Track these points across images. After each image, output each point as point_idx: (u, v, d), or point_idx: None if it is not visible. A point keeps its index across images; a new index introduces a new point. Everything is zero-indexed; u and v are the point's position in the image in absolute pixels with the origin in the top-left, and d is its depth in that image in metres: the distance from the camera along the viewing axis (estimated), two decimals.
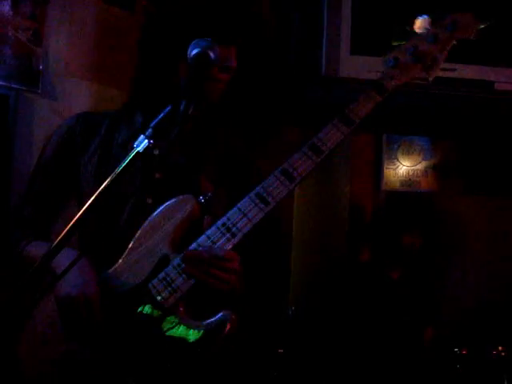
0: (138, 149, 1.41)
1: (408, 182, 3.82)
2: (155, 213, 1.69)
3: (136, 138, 1.76)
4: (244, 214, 1.64)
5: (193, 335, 1.63)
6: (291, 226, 3.64)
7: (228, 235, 1.64)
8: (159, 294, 1.64)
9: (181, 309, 1.65)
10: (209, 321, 1.62)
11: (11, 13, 2.60)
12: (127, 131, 1.82)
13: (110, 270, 1.69)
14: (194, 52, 1.55)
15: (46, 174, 1.85)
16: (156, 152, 1.76)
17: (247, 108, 3.07)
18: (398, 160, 3.81)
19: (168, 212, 1.69)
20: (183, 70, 1.71)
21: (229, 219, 1.64)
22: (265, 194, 1.65)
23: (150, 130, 1.42)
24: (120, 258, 1.70)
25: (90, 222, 1.74)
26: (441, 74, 2.86)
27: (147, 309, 1.64)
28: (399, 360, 3.00)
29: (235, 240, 1.64)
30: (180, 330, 1.63)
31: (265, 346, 3.06)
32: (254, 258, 1.93)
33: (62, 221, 1.87)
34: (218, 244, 1.64)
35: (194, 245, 1.65)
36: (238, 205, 1.65)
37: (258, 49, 3.04)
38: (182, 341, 1.63)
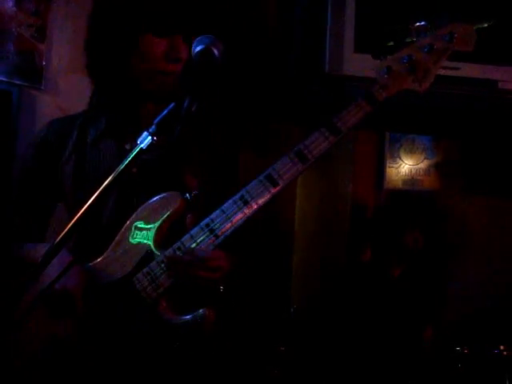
0: (142, 145, 1.42)
1: (410, 180, 3.81)
2: (140, 208, 1.72)
3: (104, 136, 1.84)
4: (227, 217, 1.66)
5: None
6: (293, 225, 3.64)
7: (211, 237, 1.66)
8: (143, 289, 1.67)
9: (163, 304, 1.67)
10: (187, 316, 1.65)
11: (15, 9, 2.60)
12: (95, 131, 1.86)
13: (94, 263, 1.73)
14: (198, 49, 1.55)
15: (28, 186, 1.91)
16: (128, 147, 1.80)
17: (249, 107, 3.06)
18: (400, 159, 3.80)
19: (154, 208, 1.70)
20: (136, 65, 1.76)
21: (212, 221, 1.66)
22: (248, 198, 1.66)
23: (153, 127, 1.42)
24: (105, 251, 1.73)
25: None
26: (444, 72, 2.86)
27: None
28: (400, 359, 3.00)
29: (218, 241, 1.66)
30: None
31: (266, 344, 3.06)
32: (256, 258, 1.93)
33: (54, 222, 1.93)
34: (201, 245, 1.66)
35: (178, 243, 1.67)
36: (222, 207, 1.67)
37: (260, 46, 3.04)
38: (161, 334, 1.65)
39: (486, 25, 2.96)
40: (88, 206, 1.37)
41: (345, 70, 2.79)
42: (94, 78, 1.87)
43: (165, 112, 1.45)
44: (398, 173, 3.81)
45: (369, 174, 3.82)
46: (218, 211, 1.67)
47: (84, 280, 1.69)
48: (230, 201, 1.67)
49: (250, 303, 2.96)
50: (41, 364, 1.67)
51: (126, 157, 1.42)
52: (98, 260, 1.73)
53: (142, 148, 1.42)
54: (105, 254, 1.73)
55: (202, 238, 1.66)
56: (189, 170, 1.79)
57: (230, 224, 1.66)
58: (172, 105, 1.45)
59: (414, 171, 3.81)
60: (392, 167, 3.80)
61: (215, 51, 1.54)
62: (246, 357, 2.84)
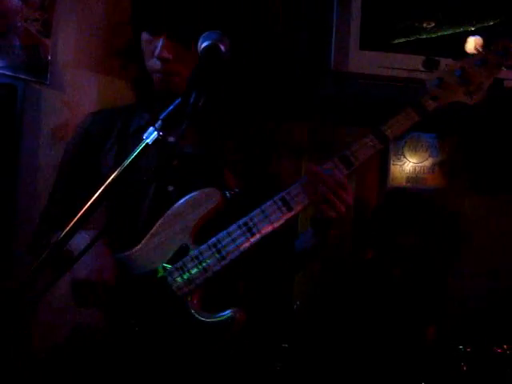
0: (148, 140, 1.41)
1: (414, 178, 3.80)
2: (179, 202, 1.71)
3: (147, 127, 1.82)
4: (266, 217, 1.66)
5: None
6: (296, 222, 3.63)
7: (248, 235, 1.66)
8: (174, 282, 1.67)
9: (194, 301, 1.67)
10: (218, 315, 1.65)
11: (20, 3, 2.60)
12: (138, 122, 1.87)
13: (128, 253, 1.72)
14: (204, 45, 1.55)
15: (69, 175, 1.92)
16: (171, 139, 1.76)
17: (254, 103, 3.06)
18: (404, 156, 3.79)
19: (193, 203, 1.70)
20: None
21: (251, 219, 1.67)
22: (289, 199, 1.67)
23: (159, 122, 1.42)
24: (140, 242, 1.73)
25: (114, 209, 1.78)
26: None
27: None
28: (402, 357, 3.00)
29: (253, 240, 1.66)
30: None
31: (269, 340, 3.06)
32: (260, 253, 1.93)
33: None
34: (237, 242, 1.66)
35: (213, 239, 1.68)
36: (262, 207, 1.67)
37: (266, 44, 3.03)
38: (190, 328, 1.65)
39: (491, 23, 2.96)
40: (94, 200, 1.36)
41: (350, 67, 2.78)
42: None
43: (171, 107, 1.44)
44: (402, 171, 3.79)
45: (373, 171, 3.81)
46: (257, 210, 1.67)
47: (117, 270, 1.68)
48: (270, 201, 1.67)
49: (253, 299, 2.96)
50: (64, 353, 1.67)
51: (132, 152, 1.41)
52: (132, 250, 1.73)
53: (147, 144, 1.42)
54: (139, 246, 1.73)
55: (238, 235, 1.66)
56: (228, 169, 1.80)
57: (268, 224, 1.66)
58: (178, 100, 1.45)
59: (417, 169, 3.80)
60: (396, 165, 3.79)
61: (222, 47, 1.54)
62: (249, 352, 2.84)
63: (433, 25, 2.95)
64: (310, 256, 1.91)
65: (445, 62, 1.72)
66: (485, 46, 1.70)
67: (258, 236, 1.66)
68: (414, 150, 3.80)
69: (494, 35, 1.72)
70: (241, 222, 1.67)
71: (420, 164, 3.80)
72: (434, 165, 3.79)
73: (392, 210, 3.33)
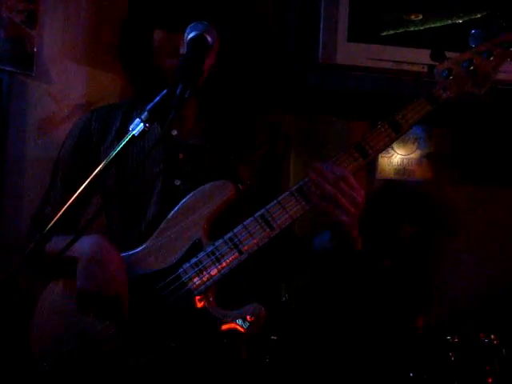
0: (134, 132, 1.40)
1: (402, 170, 3.81)
2: (190, 196, 1.65)
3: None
4: (284, 209, 1.60)
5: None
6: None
7: (266, 228, 1.60)
8: (189, 280, 1.61)
9: (210, 298, 1.61)
10: (238, 311, 1.59)
11: None
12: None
13: (136, 251, 1.66)
14: (191, 35, 1.54)
15: (66, 172, 1.86)
16: (174, 133, 1.76)
17: (243, 94, 3.05)
18: (392, 149, 3.80)
19: (204, 196, 1.64)
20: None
21: (268, 212, 1.60)
22: (307, 191, 1.60)
23: (145, 114, 1.40)
24: (148, 239, 1.66)
25: (119, 208, 1.74)
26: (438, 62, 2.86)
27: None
28: (391, 347, 3.01)
29: (273, 234, 1.60)
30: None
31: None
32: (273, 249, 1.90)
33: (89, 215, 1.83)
34: (255, 236, 1.60)
35: (230, 234, 1.61)
36: (279, 198, 1.61)
37: (254, 35, 3.02)
38: (206, 328, 1.59)
39: (478, 16, 2.96)
40: (79, 194, 1.35)
41: (338, 59, 2.77)
42: (127, 71, 1.86)
43: (157, 98, 1.42)
44: (390, 163, 3.80)
45: None
46: (273, 202, 1.61)
47: (127, 283, 1.60)
48: (288, 193, 1.61)
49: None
50: (68, 361, 1.61)
51: (119, 143, 1.40)
52: (139, 249, 1.66)
53: (134, 135, 1.40)
54: (148, 243, 1.66)
55: (255, 229, 1.60)
56: (241, 161, 1.75)
57: (286, 216, 1.59)
58: (164, 91, 1.44)
59: (405, 161, 3.81)
60: (384, 157, 3.80)
61: (208, 38, 1.52)
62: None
63: (420, 17, 2.94)
64: (329, 260, 1.81)
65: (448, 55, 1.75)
66: (489, 38, 1.73)
67: (276, 229, 1.59)
68: (402, 142, 3.81)
69: (496, 28, 1.74)
70: (257, 214, 1.60)
71: (408, 156, 3.80)
72: (421, 157, 3.80)
73: (382, 202, 3.33)
